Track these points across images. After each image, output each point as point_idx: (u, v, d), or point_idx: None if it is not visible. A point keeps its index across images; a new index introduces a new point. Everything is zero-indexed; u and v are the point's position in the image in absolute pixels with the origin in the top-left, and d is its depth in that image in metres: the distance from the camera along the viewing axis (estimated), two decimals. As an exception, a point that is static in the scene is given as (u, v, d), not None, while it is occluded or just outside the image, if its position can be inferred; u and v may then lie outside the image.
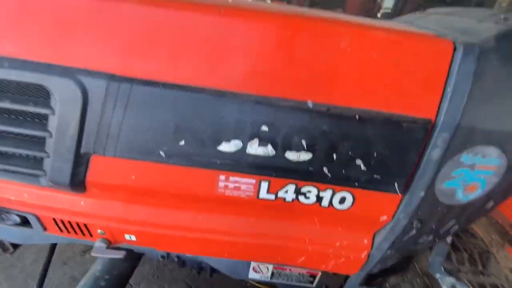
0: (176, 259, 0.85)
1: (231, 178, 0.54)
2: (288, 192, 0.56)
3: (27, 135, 0.51)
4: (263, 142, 0.49)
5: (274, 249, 0.66)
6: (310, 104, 0.47)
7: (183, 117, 0.48)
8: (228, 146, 0.49)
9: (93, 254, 0.65)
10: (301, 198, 0.57)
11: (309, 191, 0.56)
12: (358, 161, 0.51)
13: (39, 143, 0.51)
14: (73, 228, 0.66)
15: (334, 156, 0.50)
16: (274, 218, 0.62)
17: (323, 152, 0.50)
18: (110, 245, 0.67)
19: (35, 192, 0.59)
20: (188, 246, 0.68)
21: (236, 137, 0.48)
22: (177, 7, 0.45)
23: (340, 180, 0.53)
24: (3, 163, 0.54)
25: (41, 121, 0.50)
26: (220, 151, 0.50)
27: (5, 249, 1.06)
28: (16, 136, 0.52)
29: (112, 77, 0.46)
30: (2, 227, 0.70)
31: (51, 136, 0.49)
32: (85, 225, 0.64)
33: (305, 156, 0.50)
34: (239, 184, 0.55)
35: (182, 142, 0.49)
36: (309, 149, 0.50)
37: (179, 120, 0.48)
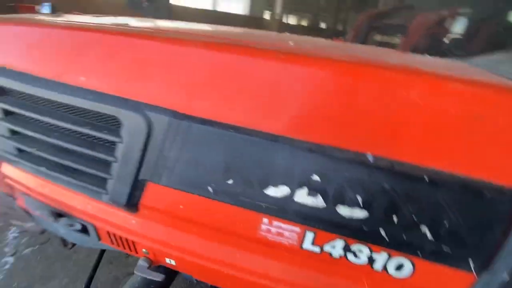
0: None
1: (275, 223, 0.51)
2: (335, 248, 0.51)
3: (97, 158, 0.58)
4: (312, 192, 0.46)
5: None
6: (370, 158, 0.43)
7: (235, 157, 0.48)
8: (275, 191, 0.47)
9: (135, 271, 0.68)
10: (350, 256, 0.51)
11: (360, 251, 0.50)
12: (424, 228, 0.44)
13: (106, 165, 0.57)
14: (122, 243, 0.70)
15: (395, 219, 0.44)
16: (317, 272, 0.56)
17: (382, 212, 0.44)
18: (152, 265, 0.70)
19: (96, 206, 0.66)
20: (224, 281, 0.66)
21: (284, 183, 0.47)
22: (238, 52, 0.47)
23: (399, 245, 0.46)
24: (74, 178, 0.61)
25: (110, 146, 0.55)
26: (266, 195, 0.48)
27: (65, 244, 1.20)
28: (88, 157, 0.59)
29: (174, 114, 0.49)
30: (67, 229, 0.78)
31: (116, 161, 0.54)
32: (133, 242, 0.68)
33: (359, 213, 0.45)
34: (282, 231, 0.52)
35: (230, 181, 0.49)
36: (365, 206, 0.45)
37: (230, 160, 0.48)
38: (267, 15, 9.49)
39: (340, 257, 0.51)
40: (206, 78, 0.48)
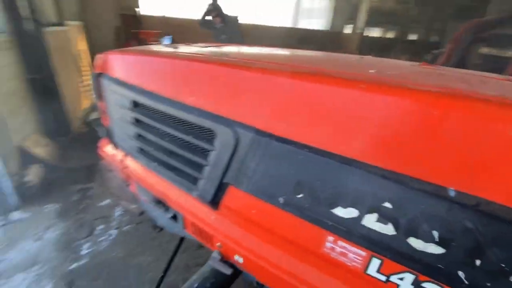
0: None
1: (340, 243, 0.53)
2: (403, 280, 0.49)
3: (194, 161, 0.72)
4: (382, 219, 0.46)
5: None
6: (451, 192, 0.41)
7: (307, 174, 0.53)
8: (343, 212, 0.50)
9: (209, 261, 0.79)
10: (420, 293, 0.48)
11: (433, 290, 0.47)
12: None
13: (199, 167, 0.70)
14: (201, 234, 0.83)
15: (477, 262, 0.40)
16: None
17: (461, 253, 0.41)
18: (223, 258, 0.80)
19: (187, 199, 0.80)
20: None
21: (353, 205, 0.49)
22: (319, 82, 0.52)
23: None
24: (175, 175, 0.77)
25: (204, 153, 0.68)
26: (334, 214, 0.51)
27: (154, 228, 1.44)
28: (187, 159, 0.74)
29: (257, 131, 0.57)
30: (160, 215, 0.97)
31: (208, 165, 0.66)
32: (210, 235, 0.80)
33: (434, 249, 0.43)
34: (347, 252, 0.53)
35: (300, 196, 0.54)
36: (441, 243, 0.42)
37: (303, 176, 0.53)
38: (348, 29, 9.22)
39: (409, 292, 0.49)
40: (288, 102, 0.55)
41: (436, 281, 0.46)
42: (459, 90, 0.46)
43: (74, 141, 3.27)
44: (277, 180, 0.57)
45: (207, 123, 0.64)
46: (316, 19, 9.60)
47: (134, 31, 6.74)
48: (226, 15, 4.17)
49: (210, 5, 4.02)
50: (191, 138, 0.69)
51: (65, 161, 2.86)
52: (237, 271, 0.97)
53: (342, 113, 0.49)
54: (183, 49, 0.97)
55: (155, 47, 1.07)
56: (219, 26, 4.15)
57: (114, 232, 2.03)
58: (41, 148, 2.71)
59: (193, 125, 0.69)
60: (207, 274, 1.00)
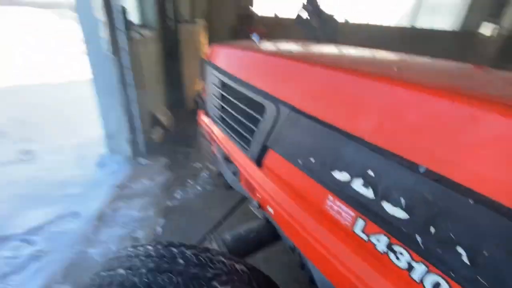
0: (299, 257, 1.06)
1: (336, 202, 0.67)
2: (380, 241, 0.59)
3: (250, 127, 0.97)
4: (366, 183, 0.58)
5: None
6: (422, 169, 0.50)
7: (318, 142, 0.69)
8: (339, 175, 0.63)
9: (250, 206, 1.04)
10: (392, 255, 0.57)
11: (401, 253, 0.55)
12: (460, 250, 0.44)
13: (252, 132, 0.94)
14: (249, 187, 1.08)
15: (432, 230, 0.48)
16: (361, 258, 0.65)
17: (421, 220, 0.49)
18: (260, 207, 1.03)
19: (243, 158, 1.07)
20: (297, 238, 0.87)
21: (346, 170, 0.62)
22: (344, 72, 0.66)
23: (433, 258, 0.49)
24: (238, 137, 1.04)
25: (257, 121, 0.92)
26: (333, 176, 0.65)
27: (226, 188, 1.81)
28: (246, 126, 1.00)
29: (292, 108, 0.76)
30: (228, 172, 1.28)
31: (257, 131, 0.90)
32: (254, 188, 1.04)
33: (400, 214, 0.53)
34: (341, 210, 0.66)
35: (312, 159, 0.70)
36: (406, 209, 0.52)
37: (315, 144, 0.69)
38: (486, 29, 7.27)
39: (383, 253, 0.59)
40: (317, 87, 0.71)
41: (402, 245, 0.54)
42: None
43: (186, 114, 4.15)
44: (299, 146, 0.74)
45: (261, 99, 0.87)
46: (442, 16, 8.07)
47: (246, 29, 7.60)
48: (323, 12, 4.07)
49: (307, 2, 3.99)
50: (251, 110, 0.94)
51: (178, 128, 3.70)
52: (276, 235, 1.18)
53: (352, 97, 0.62)
54: (261, 45, 1.23)
55: (243, 42, 1.37)
56: (314, 25, 4.05)
57: (199, 188, 2.58)
58: (164, 117, 3.61)
59: (253, 101, 0.94)
60: (253, 227, 1.26)
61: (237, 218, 2.00)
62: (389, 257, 0.58)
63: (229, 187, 1.74)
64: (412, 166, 0.51)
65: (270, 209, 0.97)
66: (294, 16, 4.40)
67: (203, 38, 5.99)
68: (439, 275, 0.49)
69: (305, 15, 4.26)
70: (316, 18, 4.02)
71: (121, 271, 0.82)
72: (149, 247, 0.87)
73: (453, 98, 0.47)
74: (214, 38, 6.73)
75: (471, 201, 0.43)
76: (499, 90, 0.64)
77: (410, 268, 0.54)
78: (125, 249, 0.86)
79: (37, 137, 3.30)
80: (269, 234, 1.24)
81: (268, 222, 1.19)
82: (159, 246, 0.87)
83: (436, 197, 0.48)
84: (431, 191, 0.49)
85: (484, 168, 0.43)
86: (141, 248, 0.87)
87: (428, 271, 0.51)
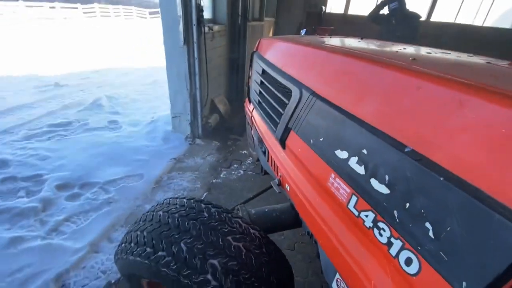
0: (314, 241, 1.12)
1: (337, 179, 0.73)
2: (368, 217, 0.63)
3: (278, 110, 1.07)
4: (360, 161, 0.63)
5: (346, 266, 0.73)
6: (408, 149, 0.53)
7: (327, 124, 0.75)
8: (340, 153, 0.69)
9: (271, 182, 1.14)
10: (376, 231, 0.61)
11: (383, 229, 0.59)
12: (428, 225, 0.47)
13: (279, 115, 1.04)
14: (274, 166, 1.19)
15: (407, 205, 0.51)
16: (351, 232, 0.70)
17: (399, 195, 0.53)
18: (280, 184, 1.12)
19: (271, 138, 1.18)
20: (306, 215, 0.94)
21: (345, 149, 0.67)
22: (362, 60, 0.71)
23: (406, 232, 0.52)
24: (269, 120, 1.16)
25: (284, 104, 1.02)
26: (335, 154, 0.71)
27: (262, 172, 1.94)
28: (275, 109, 1.10)
29: (312, 92, 0.84)
30: (260, 154, 1.41)
31: (284, 113, 1.00)
32: (277, 167, 1.14)
33: (383, 189, 0.56)
34: (339, 187, 0.72)
35: (321, 139, 0.77)
36: (389, 185, 0.55)
37: (325, 126, 0.76)
38: None
39: (369, 228, 0.63)
40: (333, 75, 0.77)
41: (384, 221, 0.58)
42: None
43: (242, 105, 4.42)
44: (313, 127, 0.81)
45: (289, 85, 0.96)
46: None
47: (313, 26, 7.52)
48: (407, 10, 3.68)
49: None
50: (281, 94, 1.03)
51: (232, 118, 4.00)
52: (298, 221, 1.26)
53: (361, 83, 0.67)
54: (302, 38, 1.30)
55: (289, 36, 1.46)
56: (394, 22, 3.65)
57: (241, 172, 2.78)
58: (222, 106, 3.94)
59: (283, 86, 1.03)
60: (277, 208, 1.36)
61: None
62: (373, 233, 0.62)
63: (265, 172, 1.87)
64: (400, 146, 0.54)
65: (287, 187, 1.06)
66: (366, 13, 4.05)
67: (270, 35, 6.21)
68: (411, 251, 0.52)
69: (384, 10, 3.82)
70: (399, 14, 3.59)
71: (161, 212, 1.04)
72: (184, 200, 1.07)
73: (439, 82, 0.49)
74: (281, 34, 6.89)
75: (441, 179, 0.46)
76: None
77: (390, 244, 0.58)
78: (167, 199, 1.08)
79: (122, 111, 4.02)
80: (291, 218, 1.32)
81: (292, 208, 1.28)
82: (191, 201, 1.06)
83: (414, 175, 0.51)
84: (411, 169, 0.52)
85: (459, 150, 0.45)
86: (178, 200, 1.07)
87: (403, 247, 0.55)
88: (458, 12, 8.14)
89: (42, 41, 9.40)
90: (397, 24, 3.65)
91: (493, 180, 0.40)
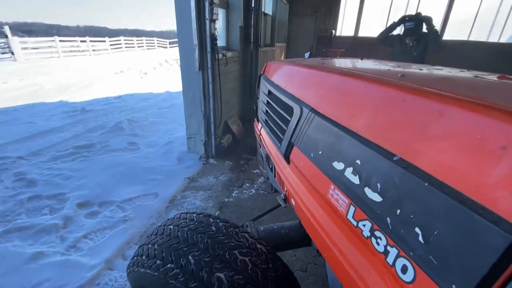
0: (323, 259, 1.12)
1: (336, 190, 0.75)
2: (365, 227, 0.65)
3: (281, 127, 1.12)
4: (354, 171, 0.66)
5: (349, 279, 0.73)
6: (396, 157, 0.56)
7: (325, 138, 0.79)
8: (336, 165, 0.72)
9: (277, 197, 1.17)
10: (373, 240, 0.62)
11: (380, 238, 0.60)
12: (417, 230, 0.48)
13: (283, 131, 1.09)
14: (280, 181, 1.22)
15: (397, 211, 0.53)
16: (355, 247, 0.70)
17: (390, 203, 0.55)
18: (286, 200, 1.15)
19: (277, 154, 1.22)
20: (311, 230, 0.95)
21: (342, 160, 0.70)
22: (347, 75, 0.76)
23: (398, 239, 0.53)
24: (275, 137, 1.21)
25: (287, 121, 1.07)
26: (332, 166, 0.74)
27: (272, 190, 1.96)
28: (279, 126, 1.16)
29: (311, 109, 0.89)
30: (268, 170, 1.45)
31: (287, 129, 1.05)
32: (283, 182, 1.17)
33: (376, 197, 0.58)
34: (339, 198, 0.74)
35: (320, 152, 0.81)
36: (381, 193, 0.57)
37: (322, 139, 0.80)
38: None
39: (367, 238, 0.64)
40: (331, 93, 0.82)
41: (380, 229, 0.59)
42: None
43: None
44: (313, 141, 0.85)
45: (291, 102, 1.02)
46: None
47: (324, 50, 7.76)
48: (423, 31, 3.52)
49: (407, 17, 3.46)
50: (284, 112, 1.09)
51: (245, 138, 4.09)
52: (307, 239, 1.26)
53: (351, 99, 0.71)
54: (304, 61, 1.38)
55: (293, 59, 1.55)
56: (410, 43, 3.53)
57: (253, 191, 2.80)
58: (234, 126, 4.06)
59: (286, 104, 1.09)
60: (286, 225, 1.37)
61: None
62: (371, 242, 0.63)
63: (275, 190, 1.89)
64: (389, 155, 0.57)
65: (293, 201, 1.08)
66: (376, 34, 4.01)
67: (281, 59, 6.46)
68: (406, 258, 0.53)
69: (396, 31, 3.73)
70: (413, 37, 3.50)
71: (171, 226, 1.09)
72: (194, 215, 1.12)
73: (420, 94, 0.53)
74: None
75: (426, 184, 0.48)
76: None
77: (386, 252, 0.59)
78: (178, 214, 1.14)
79: (141, 133, 4.24)
80: (300, 235, 1.32)
81: (301, 225, 1.29)
82: (200, 215, 1.11)
83: (402, 182, 0.53)
84: (400, 176, 0.54)
85: (441, 156, 0.48)
86: (188, 215, 1.12)
87: (398, 255, 0.55)
88: (471, 29, 8.12)
89: (73, 70, 10.28)
90: (416, 44, 3.53)
91: (471, 182, 0.42)
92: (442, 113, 0.50)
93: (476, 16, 8.19)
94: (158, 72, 11.21)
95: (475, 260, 0.40)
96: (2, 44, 12.94)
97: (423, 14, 3.46)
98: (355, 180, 0.66)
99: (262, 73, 1.61)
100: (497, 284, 0.38)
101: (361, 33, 7.94)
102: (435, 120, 0.50)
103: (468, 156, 0.44)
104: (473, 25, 8.31)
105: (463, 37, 8.08)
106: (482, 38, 8.91)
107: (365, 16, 7.85)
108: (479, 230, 0.40)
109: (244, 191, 2.79)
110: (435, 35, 3.49)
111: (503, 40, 8.60)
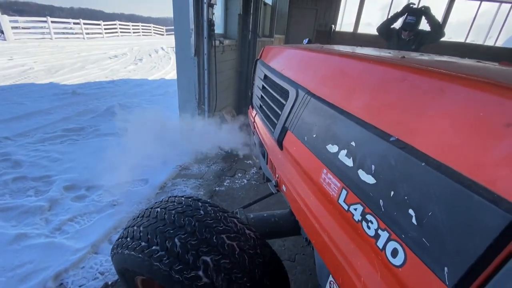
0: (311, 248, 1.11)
1: (328, 174, 0.73)
2: (356, 210, 0.63)
3: (276, 112, 1.09)
4: (348, 154, 0.63)
5: (337, 264, 0.71)
6: (393, 138, 0.54)
7: (320, 120, 0.76)
8: (330, 148, 0.70)
9: (268, 183, 1.14)
10: (364, 224, 0.60)
11: (371, 222, 0.58)
12: (411, 211, 0.47)
13: (277, 116, 1.06)
14: (272, 168, 1.19)
15: (391, 193, 0.51)
16: (341, 228, 0.69)
17: (384, 184, 0.53)
18: (277, 186, 1.12)
19: (270, 140, 1.19)
20: (300, 215, 0.93)
21: (336, 143, 0.68)
22: (346, 56, 0.73)
23: (391, 221, 0.51)
24: (269, 122, 1.18)
25: (282, 106, 1.04)
26: (326, 149, 0.72)
27: (264, 179, 1.94)
28: (274, 112, 1.13)
29: (307, 91, 0.86)
30: (260, 157, 1.42)
31: (281, 114, 1.02)
32: (275, 168, 1.15)
33: (370, 179, 0.56)
34: (331, 182, 0.72)
35: (314, 135, 0.78)
36: (375, 175, 0.55)
37: (317, 122, 0.77)
38: None
39: (358, 221, 0.62)
40: (328, 75, 0.79)
41: (372, 212, 0.57)
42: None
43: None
44: (307, 124, 0.83)
45: (287, 86, 0.99)
46: None
47: (322, 45, 7.67)
48: (421, 29, 3.49)
49: (408, 7, 3.39)
50: (279, 96, 1.06)
51: (240, 127, 4.05)
52: (296, 228, 1.25)
53: (350, 81, 0.68)
54: (299, 45, 1.35)
55: (291, 45, 1.52)
56: (406, 38, 3.49)
57: (245, 181, 2.78)
58: (229, 116, 4.02)
59: (282, 88, 1.06)
60: (276, 213, 1.35)
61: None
62: (362, 226, 0.61)
63: (267, 180, 1.87)
64: (386, 137, 0.55)
65: (284, 188, 1.06)
66: (374, 30, 3.95)
67: (278, 51, 6.36)
68: (397, 241, 0.52)
69: (396, 24, 3.64)
70: (408, 33, 3.44)
71: (158, 209, 1.05)
72: (182, 198, 1.09)
73: (423, 73, 0.50)
74: (289, 52, 7.06)
75: (423, 164, 0.46)
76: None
77: (377, 236, 0.57)
78: (166, 197, 1.10)
79: (132, 118, 4.15)
80: (290, 224, 1.31)
81: (291, 214, 1.27)
82: (189, 199, 1.08)
83: (398, 163, 0.51)
84: (395, 157, 0.52)
85: (440, 136, 0.45)
86: (176, 198, 1.09)
87: (389, 238, 0.54)
88: (468, 32, 8.16)
89: (65, 52, 9.96)
90: (413, 39, 3.49)
91: (471, 162, 0.40)
92: (443, 91, 0.47)
93: (474, 19, 8.22)
94: (153, 59, 10.97)
95: (470, 242, 0.39)
96: (-9, 22, 12.43)
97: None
98: (349, 162, 0.64)
99: (258, 57, 1.57)
100: (491, 266, 0.37)
101: (361, 30, 7.91)
102: (436, 99, 0.48)
103: (470, 135, 0.42)
104: (470, 27, 8.36)
105: (460, 39, 8.12)
106: (479, 41, 8.98)
107: (365, 13, 7.80)
108: (477, 210, 0.38)
109: (236, 181, 2.77)
110: (438, 28, 3.45)
111: (499, 44, 8.69)
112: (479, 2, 7.88)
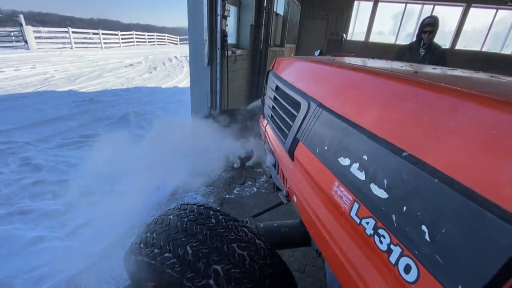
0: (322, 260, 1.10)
1: (340, 187, 0.73)
2: (368, 224, 0.63)
3: (287, 123, 1.11)
4: (361, 167, 0.64)
5: (348, 278, 0.71)
6: (405, 153, 0.54)
7: (332, 133, 0.77)
8: (342, 160, 0.71)
9: (279, 193, 1.15)
10: (376, 238, 0.60)
11: (383, 236, 0.58)
12: (424, 228, 0.46)
13: (289, 127, 1.08)
14: (283, 178, 1.20)
15: (404, 208, 0.51)
16: (356, 245, 0.68)
17: (397, 199, 0.53)
18: (287, 196, 1.13)
19: (281, 150, 1.21)
20: (312, 227, 0.93)
21: (348, 156, 0.69)
22: (358, 70, 0.74)
23: (403, 236, 0.51)
24: (280, 132, 1.19)
25: (293, 117, 1.06)
26: (338, 162, 0.73)
27: (274, 188, 1.94)
28: (285, 122, 1.14)
29: (319, 104, 0.87)
30: (271, 167, 1.44)
31: (293, 125, 1.03)
32: (286, 179, 1.16)
33: (382, 194, 0.57)
34: (343, 195, 0.72)
35: (326, 148, 0.79)
36: (387, 189, 0.56)
37: (329, 134, 0.78)
38: None
39: (370, 236, 0.62)
40: (339, 88, 0.80)
41: (384, 227, 0.57)
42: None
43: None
44: (318, 137, 0.84)
45: (298, 98, 1.01)
46: None
47: (333, 53, 7.71)
48: (435, 43, 3.42)
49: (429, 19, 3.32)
50: (291, 107, 1.08)
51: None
52: (306, 239, 1.24)
53: (363, 94, 0.70)
54: (310, 58, 1.37)
55: (304, 56, 1.54)
56: (422, 52, 3.42)
57: (255, 189, 2.79)
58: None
59: (293, 99, 1.08)
60: (286, 223, 1.36)
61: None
62: (374, 241, 0.61)
63: (277, 189, 1.87)
64: (398, 151, 0.56)
65: (295, 198, 1.06)
66: (386, 39, 3.93)
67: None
68: (410, 257, 0.51)
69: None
70: (432, 33, 3.34)
71: (171, 216, 1.08)
72: (194, 206, 1.11)
73: (435, 90, 0.51)
74: (300, 61, 7.12)
75: (436, 181, 0.46)
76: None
77: (390, 251, 0.57)
78: (179, 205, 1.13)
79: (146, 125, 4.26)
80: (300, 234, 1.30)
81: (301, 224, 1.27)
82: (201, 207, 1.10)
83: (411, 178, 0.51)
84: (408, 172, 0.52)
85: (453, 152, 0.46)
86: (189, 206, 1.11)
87: (402, 254, 0.54)
88: (484, 40, 7.99)
89: (84, 61, 10.41)
90: (426, 52, 3.43)
91: (484, 180, 0.40)
92: (456, 108, 0.48)
93: (490, 27, 8.06)
94: (167, 68, 11.28)
95: (484, 260, 0.38)
96: (16, 32, 13.20)
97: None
98: (361, 176, 0.64)
99: (270, 68, 1.60)
100: (506, 285, 0.36)
101: (372, 39, 7.89)
102: (449, 116, 0.49)
103: (482, 152, 0.42)
104: (486, 35, 8.19)
105: (476, 47, 7.96)
106: (496, 50, 8.77)
107: (377, 21, 7.79)
108: (491, 228, 0.38)
109: (246, 189, 2.77)
110: (442, 54, 3.45)
111: (517, 52, 8.45)
112: (495, 10, 7.74)
